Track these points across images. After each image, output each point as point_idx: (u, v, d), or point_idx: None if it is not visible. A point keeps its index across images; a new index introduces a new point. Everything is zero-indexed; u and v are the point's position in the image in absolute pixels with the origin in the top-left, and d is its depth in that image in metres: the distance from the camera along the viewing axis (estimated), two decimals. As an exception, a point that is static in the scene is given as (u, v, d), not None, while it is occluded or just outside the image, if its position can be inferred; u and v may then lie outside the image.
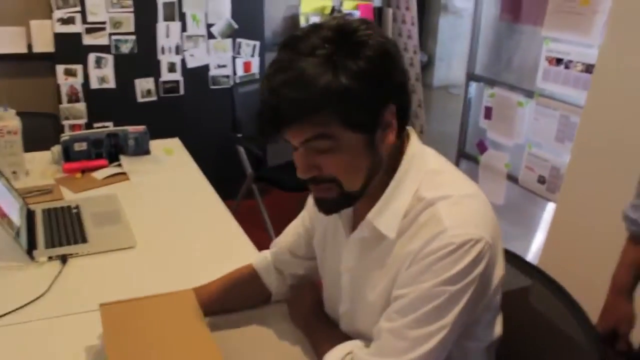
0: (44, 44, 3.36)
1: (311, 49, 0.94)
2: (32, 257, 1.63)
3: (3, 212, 1.64)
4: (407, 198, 1.03)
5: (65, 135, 2.33)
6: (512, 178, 3.21)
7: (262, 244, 1.61)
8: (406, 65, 3.93)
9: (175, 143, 2.66)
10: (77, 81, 3.44)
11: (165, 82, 3.65)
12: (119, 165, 2.33)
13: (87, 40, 3.40)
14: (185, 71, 3.68)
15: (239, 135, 3.43)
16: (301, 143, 0.98)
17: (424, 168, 1.06)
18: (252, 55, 3.82)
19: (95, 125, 3.51)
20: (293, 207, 1.38)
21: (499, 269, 1.05)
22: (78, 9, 3.33)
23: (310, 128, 0.96)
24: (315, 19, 3.86)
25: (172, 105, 3.69)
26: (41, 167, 2.31)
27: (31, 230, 1.77)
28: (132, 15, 3.46)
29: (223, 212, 2.00)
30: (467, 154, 3.67)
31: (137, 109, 3.60)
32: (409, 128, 1.09)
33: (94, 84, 3.48)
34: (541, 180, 2.97)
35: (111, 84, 3.52)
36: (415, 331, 0.96)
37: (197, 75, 3.72)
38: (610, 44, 2.30)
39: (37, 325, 1.37)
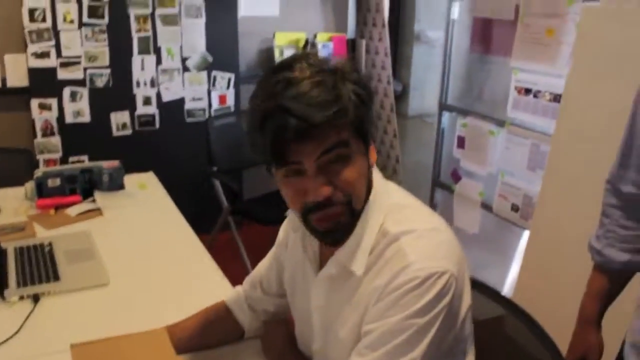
0: (18, 78, 3.35)
1: (313, 66, 0.98)
2: (2, 297, 1.61)
3: (-27, 251, 1.63)
4: (374, 233, 1.05)
5: (39, 171, 2.32)
6: (486, 207, 3.24)
7: (238, 276, 1.61)
8: (380, 96, 4.00)
9: (149, 177, 2.66)
10: (52, 115, 3.43)
11: (140, 116, 3.65)
12: (94, 200, 2.33)
13: (62, 74, 3.40)
14: (161, 104, 3.68)
15: (215, 168, 3.43)
16: (322, 153, 0.97)
17: (387, 202, 1.08)
18: (228, 88, 3.84)
19: (71, 159, 3.49)
20: (269, 239, 1.39)
21: (467, 299, 1.07)
22: (52, 43, 3.33)
23: (335, 134, 0.97)
24: (289, 52, 3.90)
25: (148, 139, 3.68)
26: (14, 203, 2.29)
27: (2, 269, 1.75)
28: (106, 49, 3.46)
29: (197, 247, 2.00)
30: (441, 183, 3.70)
31: (112, 143, 3.59)
32: None
33: (69, 118, 3.47)
34: (514, 208, 3.01)
35: (86, 117, 3.51)
36: (387, 365, 0.97)
37: (173, 109, 3.72)
38: (575, 73, 2.36)
39: (8, 367, 1.35)
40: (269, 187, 3.32)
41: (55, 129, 3.45)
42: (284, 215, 1.23)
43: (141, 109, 3.64)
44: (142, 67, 3.58)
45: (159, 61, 3.61)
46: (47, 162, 3.46)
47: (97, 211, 2.25)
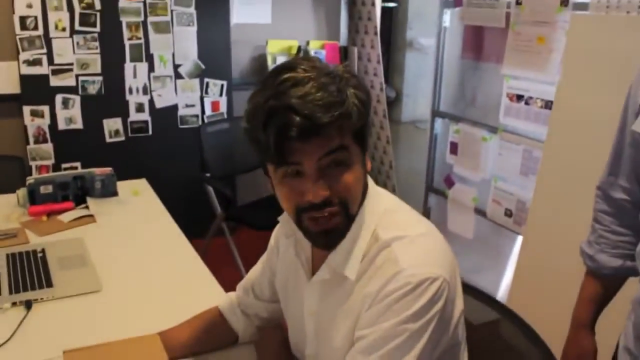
0: (10, 86, 3.34)
1: (317, 69, 0.99)
2: (-5, 304, 1.60)
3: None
4: (366, 238, 1.06)
5: (31, 178, 2.31)
6: (480, 212, 3.25)
7: (232, 282, 1.61)
8: (373, 102, 4.01)
9: (142, 184, 2.66)
10: (44, 122, 3.42)
11: (133, 122, 3.64)
12: (86, 207, 2.32)
13: (54, 81, 3.40)
14: (154, 111, 3.68)
15: (208, 174, 3.43)
16: (324, 154, 0.97)
17: (379, 208, 1.08)
18: (221, 95, 3.85)
19: (63, 165, 3.49)
20: (263, 245, 1.39)
21: (459, 304, 1.07)
22: (44, 50, 3.33)
23: (338, 137, 0.97)
24: (282, 59, 3.91)
25: (141, 145, 3.68)
26: (6, 210, 2.29)
27: (-5, 276, 1.75)
28: (98, 57, 3.47)
29: (190, 253, 1.99)
30: (435, 189, 3.72)
31: (105, 149, 3.59)
32: None
33: (62, 125, 3.46)
34: (508, 213, 3.02)
35: (79, 124, 3.50)
36: (380, 370, 0.97)
37: (166, 115, 3.72)
38: (566, 80, 2.38)
39: (0, 374, 1.34)
40: (262, 192, 3.33)
41: (48, 136, 3.45)
42: (277, 220, 1.23)
43: (134, 116, 3.64)
44: (134, 75, 3.58)
45: (151, 68, 3.61)
46: (40, 169, 3.45)
47: (90, 218, 2.25)
